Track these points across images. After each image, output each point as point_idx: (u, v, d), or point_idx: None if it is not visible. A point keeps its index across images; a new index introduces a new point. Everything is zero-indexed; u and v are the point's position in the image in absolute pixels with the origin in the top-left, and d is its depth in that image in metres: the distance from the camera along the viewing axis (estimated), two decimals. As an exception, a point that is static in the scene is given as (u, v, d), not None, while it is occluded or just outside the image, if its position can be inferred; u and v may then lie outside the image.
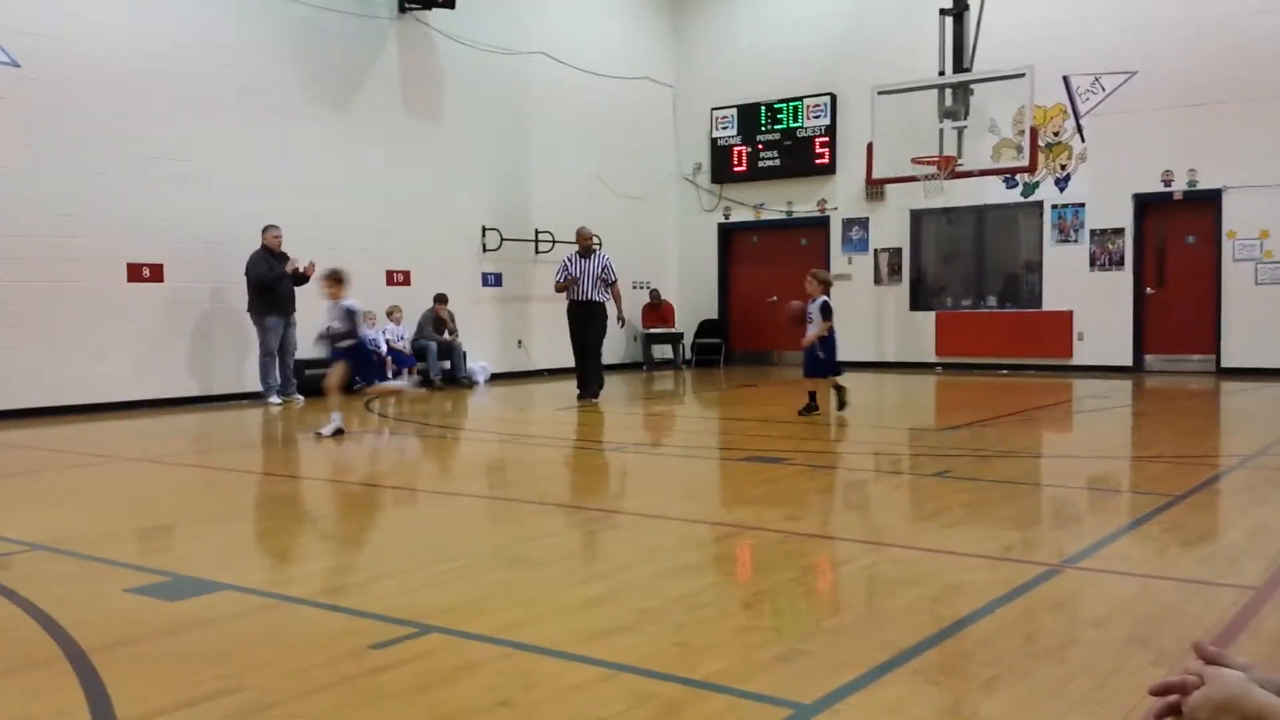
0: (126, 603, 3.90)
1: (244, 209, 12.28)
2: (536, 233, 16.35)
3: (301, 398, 12.19)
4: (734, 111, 18.24)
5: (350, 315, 8.90)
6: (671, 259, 19.13)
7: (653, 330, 18.10)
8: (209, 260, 12.12)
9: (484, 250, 15.64)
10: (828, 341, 9.68)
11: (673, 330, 18.21)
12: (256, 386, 12.20)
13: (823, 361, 9.70)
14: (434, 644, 3.37)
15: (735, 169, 18.32)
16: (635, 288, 18.36)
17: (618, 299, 11.92)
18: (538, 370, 16.38)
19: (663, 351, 18.40)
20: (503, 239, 15.75)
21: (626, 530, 5.18)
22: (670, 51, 18.87)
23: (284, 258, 12.05)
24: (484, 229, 15.56)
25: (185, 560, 4.74)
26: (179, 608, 3.84)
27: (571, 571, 4.43)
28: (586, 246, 11.79)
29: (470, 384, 14.61)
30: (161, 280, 11.78)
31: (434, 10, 14.43)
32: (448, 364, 14.54)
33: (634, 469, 7.49)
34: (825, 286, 9.83)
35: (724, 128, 18.39)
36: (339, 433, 8.77)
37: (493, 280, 15.83)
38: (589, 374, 11.88)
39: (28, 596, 3.92)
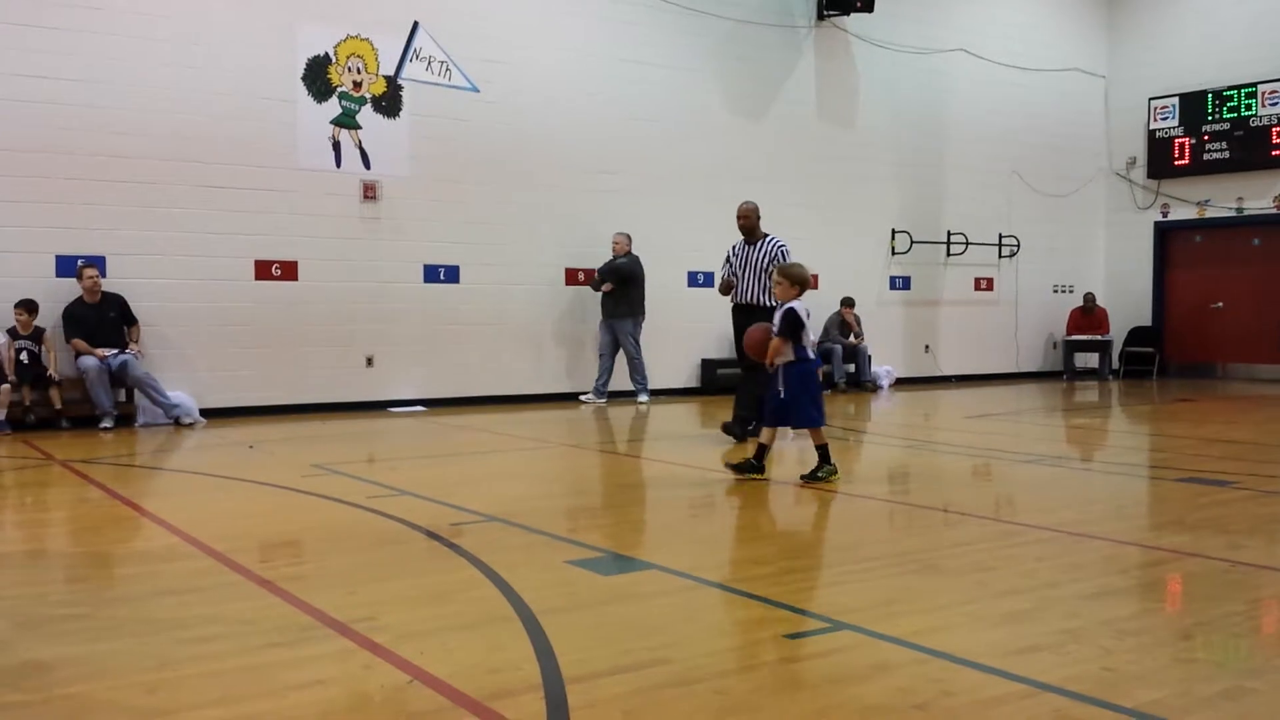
0: (567, 573, 4.31)
1: (665, 217, 13.10)
2: (949, 234, 15.92)
3: (636, 398, 12.36)
4: (1175, 101, 16.65)
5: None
6: (1097, 260, 17.83)
7: (1076, 337, 16.94)
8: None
9: (893, 253, 15.46)
10: (795, 373, 6.52)
11: (1101, 338, 16.90)
12: (673, 384, 13.12)
13: (782, 401, 6.54)
14: (846, 640, 3.42)
15: (1176, 162, 16.72)
16: (1056, 291, 17.33)
17: None
18: (945, 376, 15.94)
19: (1086, 360, 17.18)
20: (913, 241, 15.49)
21: (1047, 546, 4.92)
22: (1102, 40, 17.60)
23: (616, 261, 12.23)
24: (894, 231, 15.39)
25: (615, 539, 5.15)
26: (612, 581, 4.18)
27: (987, 584, 4.29)
28: (749, 228, 8.77)
29: (874, 388, 14.51)
30: (596, 283, 12.85)
31: (852, 15, 14.50)
32: (852, 367, 14.56)
33: (1054, 483, 7.08)
34: (800, 287, 6.71)
35: (1163, 118, 16.83)
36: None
37: (901, 284, 15.61)
38: (736, 402, 9.03)
39: (486, 562, 4.45)
